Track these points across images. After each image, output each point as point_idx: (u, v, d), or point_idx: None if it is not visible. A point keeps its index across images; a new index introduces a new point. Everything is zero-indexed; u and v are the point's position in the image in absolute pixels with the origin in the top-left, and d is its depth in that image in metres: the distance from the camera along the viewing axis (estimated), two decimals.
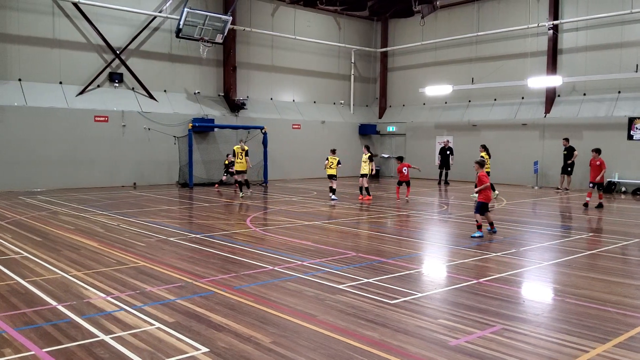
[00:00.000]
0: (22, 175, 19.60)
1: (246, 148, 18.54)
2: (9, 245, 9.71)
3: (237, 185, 19.19)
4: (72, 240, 10.21)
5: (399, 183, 18.09)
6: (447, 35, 27.29)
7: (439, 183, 24.56)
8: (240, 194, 18.53)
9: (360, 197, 17.80)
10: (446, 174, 24.85)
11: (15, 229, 11.48)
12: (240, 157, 18.35)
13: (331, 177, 17.61)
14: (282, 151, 26.16)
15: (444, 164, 24.78)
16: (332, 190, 17.44)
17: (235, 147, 18.72)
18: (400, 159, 18.56)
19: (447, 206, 16.69)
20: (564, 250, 9.74)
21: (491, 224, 11.35)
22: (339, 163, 17.65)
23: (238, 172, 18.64)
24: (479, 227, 10.97)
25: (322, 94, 29.54)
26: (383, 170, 30.73)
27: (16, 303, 6.23)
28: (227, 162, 21.75)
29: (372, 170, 17.87)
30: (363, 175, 17.74)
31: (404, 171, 17.80)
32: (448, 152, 24.83)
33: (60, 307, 6.07)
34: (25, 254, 8.93)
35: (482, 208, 11.09)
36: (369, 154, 17.96)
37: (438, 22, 27.99)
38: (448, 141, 25.20)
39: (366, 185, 17.70)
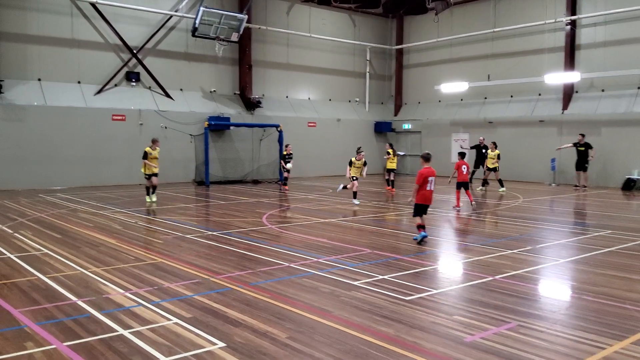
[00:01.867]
0: (42, 174, 19.91)
1: (158, 149, 16.27)
2: (29, 242, 9.89)
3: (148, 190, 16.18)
4: (91, 238, 10.37)
5: (458, 186, 15.26)
6: (462, 32, 27.12)
7: (483, 185, 21.59)
8: (148, 200, 15.99)
9: (387, 188, 20.06)
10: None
11: (36, 226, 11.69)
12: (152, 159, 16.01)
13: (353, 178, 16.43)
14: (297, 149, 26.13)
15: (480, 162, 22.47)
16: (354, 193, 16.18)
17: (146, 149, 16.03)
18: (461, 155, 15.71)
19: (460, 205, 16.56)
20: (581, 248, 9.65)
21: (422, 226, 9.90)
22: (364, 164, 16.73)
23: (149, 176, 15.94)
24: (419, 227, 9.86)
25: (338, 92, 29.54)
26: (399, 169, 30.59)
27: (37, 298, 6.36)
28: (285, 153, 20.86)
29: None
30: (390, 170, 20.19)
31: (462, 170, 15.12)
32: (484, 150, 22.25)
33: (80, 303, 6.18)
34: (46, 251, 9.09)
35: (415, 210, 10.02)
36: (393, 150, 20.42)
37: (453, 19, 27.82)
38: (483, 138, 22.76)
39: (392, 178, 20.09)
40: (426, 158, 10.09)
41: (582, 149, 21.05)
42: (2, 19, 19.64)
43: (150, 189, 16.01)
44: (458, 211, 14.57)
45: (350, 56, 29.81)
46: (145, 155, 15.83)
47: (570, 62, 23.41)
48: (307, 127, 27.42)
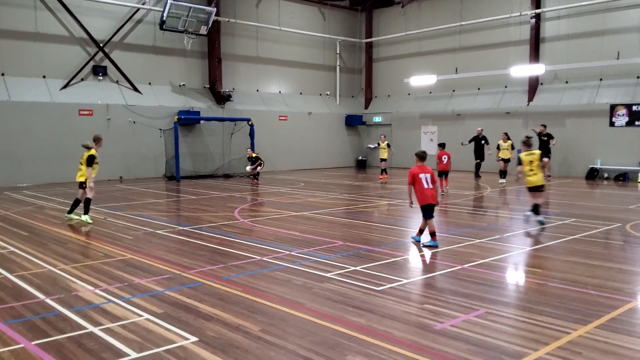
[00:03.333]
0: (7, 171, 19.41)
1: (93, 152, 11.83)
2: None
3: (80, 203, 12.05)
4: (59, 234, 10.19)
5: (439, 174, 15.96)
6: (430, 26, 27.38)
7: (476, 176, 22.03)
8: (78, 218, 11.77)
9: (381, 177, 21.80)
10: (479, 165, 22.22)
11: (1, 224, 11.41)
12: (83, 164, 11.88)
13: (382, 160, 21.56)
14: (269, 143, 26.14)
15: (479, 155, 22.05)
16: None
17: (93, 151, 11.92)
18: (441, 145, 16.99)
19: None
20: (546, 236, 9.91)
21: (422, 230, 9.28)
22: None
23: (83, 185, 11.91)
24: (431, 234, 9.05)
25: (308, 85, 29.53)
26: (370, 161, 30.85)
27: (4, 297, 6.24)
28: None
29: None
30: (383, 160, 22.08)
31: (443, 160, 16.25)
32: (483, 142, 22.00)
33: (48, 300, 6.09)
34: (12, 249, 8.90)
35: (423, 213, 9.15)
36: (387, 142, 22.43)
37: (421, 12, 28.08)
38: (481, 129, 22.34)
39: (384, 167, 22.02)
40: (421, 157, 9.22)
41: (545, 139, 21.51)
42: None
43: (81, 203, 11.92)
44: (442, 196, 15.24)
45: (320, 49, 29.82)
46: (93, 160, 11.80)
47: (535, 54, 23.89)
48: (279, 120, 27.36)
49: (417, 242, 9.23)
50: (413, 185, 9.12)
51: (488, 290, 6.45)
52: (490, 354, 4.58)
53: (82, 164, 11.81)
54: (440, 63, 27.46)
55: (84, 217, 11.53)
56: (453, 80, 27.04)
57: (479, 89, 26.40)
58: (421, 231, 9.22)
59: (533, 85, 24.23)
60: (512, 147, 20.49)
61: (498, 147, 20.71)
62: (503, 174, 20.11)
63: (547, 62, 23.40)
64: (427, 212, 9.02)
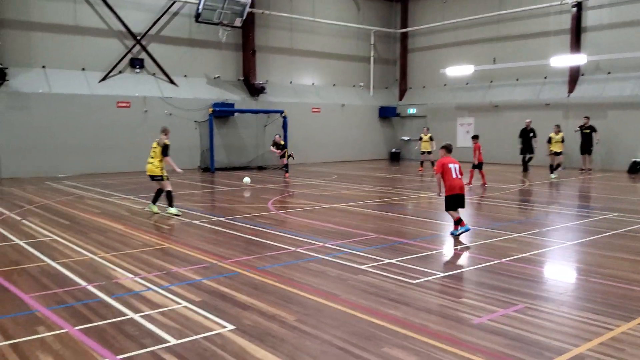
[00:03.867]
0: (47, 161, 19.98)
1: (167, 142, 11.68)
2: (38, 228, 9.96)
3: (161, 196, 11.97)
4: (99, 224, 10.44)
5: (477, 166, 16.60)
6: (468, 15, 26.88)
7: (524, 170, 21.28)
8: (159, 212, 11.67)
9: (420, 169, 22.22)
10: (529, 159, 21.37)
11: (44, 213, 11.76)
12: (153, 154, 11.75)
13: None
14: (302, 135, 26.19)
15: (527, 148, 21.27)
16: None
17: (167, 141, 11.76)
18: (476, 137, 17.06)
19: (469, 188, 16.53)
20: (587, 230, 9.65)
21: (458, 221, 9.09)
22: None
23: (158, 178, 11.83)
24: (455, 223, 9.09)
25: (342, 77, 29.42)
26: (404, 154, 30.61)
27: (47, 283, 6.42)
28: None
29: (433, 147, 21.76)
30: (426, 152, 22.19)
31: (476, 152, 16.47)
32: (531, 135, 21.17)
33: (90, 287, 6.24)
34: (54, 237, 9.16)
35: (446, 203, 9.21)
36: (430, 135, 22.24)
37: (459, 2, 27.58)
38: (530, 121, 21.54)
39: (423, 159, 22.36)
40: (448, 148, 9.38)
41: (587, 132, 20.92)
42: (6, 6, 19.58)
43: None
44: (469, 188, 15.46)
45: (354, 40, 29.64)
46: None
47: (576, 44, 23.22)
48: (311, 112, 27.37)
49: (457, 235, 9.03)
50: (442, 175, 9.15)
51: (527, 284, 6.32)
52: (530, 349, 4.49)
53: (153, 157, 11.60)
54: (478, 53, 26.96)
55: (172, 210, 11.32)
56: (491, 71, 26.52)
57: (517, 79, 25.83)
58: (456, 223, 9.08)
59: (574, 76, 23.57)
60: (563, 141, 19.99)
61: (549, 141, 20.04)
62: (555, 167, 19.49)
63: (588, 52, 22.72)
64: (455, 202, 9.02)
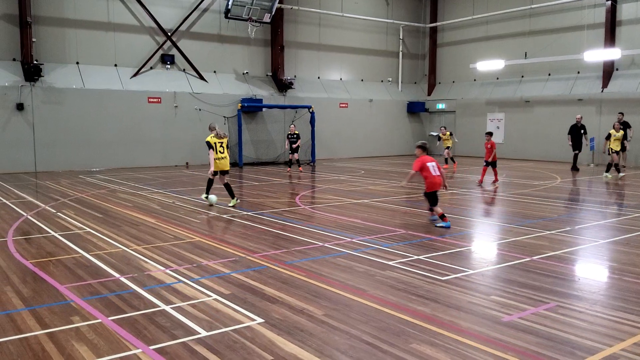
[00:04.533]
0: (81, 155, 20.45)
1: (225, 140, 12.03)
2: (72, 221, 10.21)
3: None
4: (131, 217, 10.64)
5: (487, 163, 15.63)
6: (499, 9, 26.46)
7: (573, 169, 20.40)
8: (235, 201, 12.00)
9: (445, 166, 21.15)
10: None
11: (78, 206, 12.04)
12: (222, 149, 11.94)
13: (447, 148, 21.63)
14: (329, 130, 26.20)
15: (577, 145, 20.32)
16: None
17: (213, 138, 11.81)
18: (489, 134, 15.94)
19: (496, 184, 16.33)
20: (621, 229, 9.44)
21: (442, 216, 9.52)
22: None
23: (223, 173, 12.05)
24: (441, 216, 9.49)
25: (370, 72, 29.30)
26: (432, 149, 30.34)
27: (82, 275, 6.59)
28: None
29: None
30: (447, 148, 21.90)
31: (487, 147, 15.58)
32: (582, 131, 20.28)
33: (122, 279, 6.38)
34: (88, 229, 9.37)
35: (429, 200, 9.67)
36: (449, 132, 22.27)
37: None
38: (581, 117, 20.65)
39: (450, 155, 21.96)
40: (424, 148, 9.92)
41: (621, 127, 20.31)
42: (41, 4, 20.05)
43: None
44: (480, 186, 15.41)
45: (382, 35, 29.47)
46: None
47: (610, 38, 22.66)
48: (339, 108, 27.34)
49: (446, 227, 9.40)
50: (420, 172, 9.60)
51: (559, 283, 6.23)
52: (562, 348, 4.43)
53: (223, 152, 11.91)
54: (509, 48, 26.53)
55: (212, 198, 12.00)
56: (522, 66, 26.08)
57: (549, 74, 25.35)
58: (443, 216, 9.53)
59: (608, 71, 23.02)
60: (626, 137, 18.32)
61: (608, 137, 18.14)
62: (614, 167, 17.71)
63: (623, 46, 22.15)
64: (434, 198, 9.58)
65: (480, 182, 15.81)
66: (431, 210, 9.86)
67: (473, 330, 4.79)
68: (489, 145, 15.53)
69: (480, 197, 13.88)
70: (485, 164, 15.74)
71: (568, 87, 24.44)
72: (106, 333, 4.74)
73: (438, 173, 9.59)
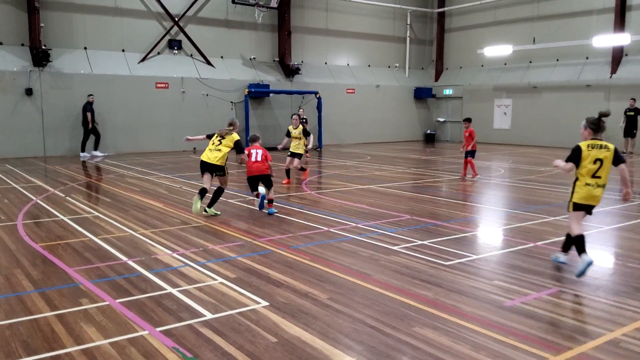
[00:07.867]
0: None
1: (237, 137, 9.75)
2: (81, 205, 10.32)
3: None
4: (139, 201, 10.74)
5: (466, 154, 14.11)
6: None
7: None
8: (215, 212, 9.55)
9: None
10: (632, 145, 19.59)
11: (86, 190, 12.16)
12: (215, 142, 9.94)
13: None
14: (336, 116, 26.17)
15: (629, 131, 19.29)
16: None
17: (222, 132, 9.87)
18: (468, 120, 14.48)
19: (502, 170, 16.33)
20: (626, 215, 9.45)
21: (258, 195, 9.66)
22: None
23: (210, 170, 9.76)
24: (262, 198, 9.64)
25: (377, 57, 29.16)
26: (439, 135, 30.30)
27: (90, 258, 6.69)
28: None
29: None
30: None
31: (466, 136, 14.22)
32: (634, 114, 19.17)
33: (130, 262, 6.48)
34: (97, 214, 9.48)
35: (250, 183, 9.96)
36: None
37: None
38: (635, 100, 19.38)
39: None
40: (254, 139, 10.37)
41: (632, 114, 20.18)
42: None
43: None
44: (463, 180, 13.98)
45: (390, 20, 29.27)
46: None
47: (620, 23, 22.40)
48: (346, 93, 27.28)
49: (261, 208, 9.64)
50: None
51: (562, 268, 6.27)
52: (563, 332, 4.48)
53: (221, 150, 9.56)
54: (517, 33, 26.29)
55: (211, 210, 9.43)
56: (530, 51, 25.86)
57: (557, 60, 25.14)
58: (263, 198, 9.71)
59: (617, 57, 22.80)
60: (635, 123, 17.41)
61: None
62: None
63: (633, 31, 21.89)
64: (254, 183, 9.77)
65: (464, 175, 14.27)
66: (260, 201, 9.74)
67: (475, 314, 4.85)
68: (467, 134, 14.05)
69: (486, 183, 13.87)
70: (465, 155, 14.10)
71: (576, 73, 24.24)
72: (114, 315, 4.84)
73: (259, 159, 9.83)
